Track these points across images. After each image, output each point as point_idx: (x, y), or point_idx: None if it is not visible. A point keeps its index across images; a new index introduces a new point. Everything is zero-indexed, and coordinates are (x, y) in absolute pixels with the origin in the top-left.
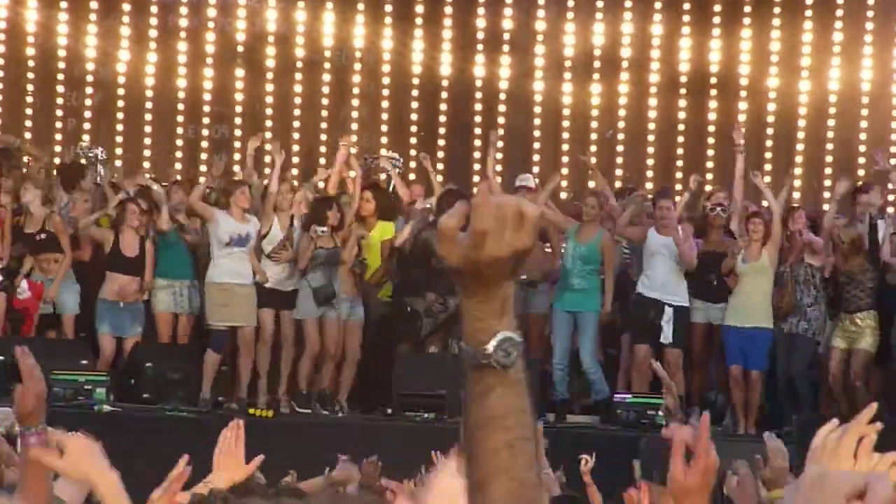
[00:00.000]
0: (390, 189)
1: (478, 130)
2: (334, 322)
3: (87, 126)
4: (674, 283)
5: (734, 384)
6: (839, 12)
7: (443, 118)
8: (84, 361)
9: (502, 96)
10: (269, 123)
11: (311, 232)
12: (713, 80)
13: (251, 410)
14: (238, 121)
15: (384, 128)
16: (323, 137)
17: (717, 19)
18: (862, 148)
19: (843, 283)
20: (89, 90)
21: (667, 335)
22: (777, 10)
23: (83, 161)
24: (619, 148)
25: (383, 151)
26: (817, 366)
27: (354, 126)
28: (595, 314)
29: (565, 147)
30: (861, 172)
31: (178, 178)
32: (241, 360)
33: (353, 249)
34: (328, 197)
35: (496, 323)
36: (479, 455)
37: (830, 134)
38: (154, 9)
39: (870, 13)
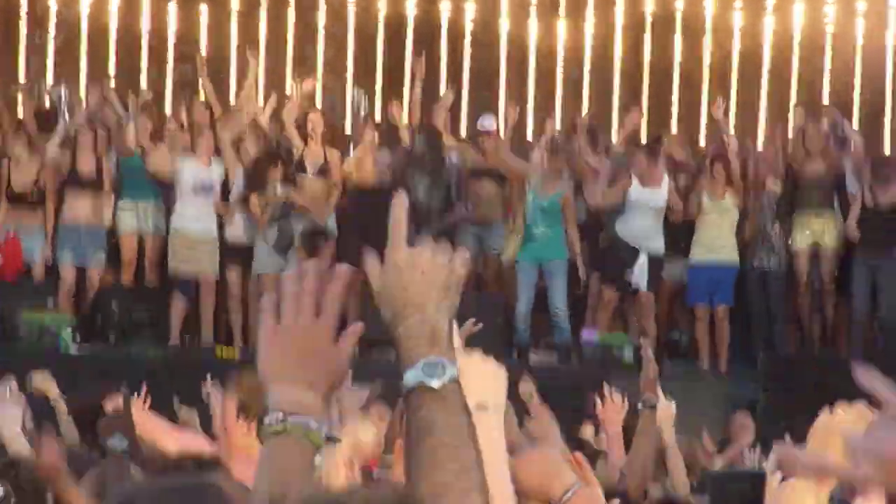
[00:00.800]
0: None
1: (444, 70)
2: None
3: (50, 65)
4: (651, 231)
5: (699, 323)
6: None
7: (408, 57)
8: (50, 304)
9: (468, 36)
10: (233, 64)
11: (269, 191)
12: (678, 20)
13: (217, 352)
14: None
15: (350, 68)
16: (288, 79)
17: None
18: (826, 89)
19: (805, 186)
20: (52, 30)
21: (639, 282)
22: None
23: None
24: (585, 88)
25: (348, 90)
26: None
27: (319, 67)
28: (562, 261)
29: (531, 87)
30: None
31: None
32: (203, 304)
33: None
34: (269, 154)
35: (426, 349)
36: (412, 459)
37: (795, 74)
38: None
39: None
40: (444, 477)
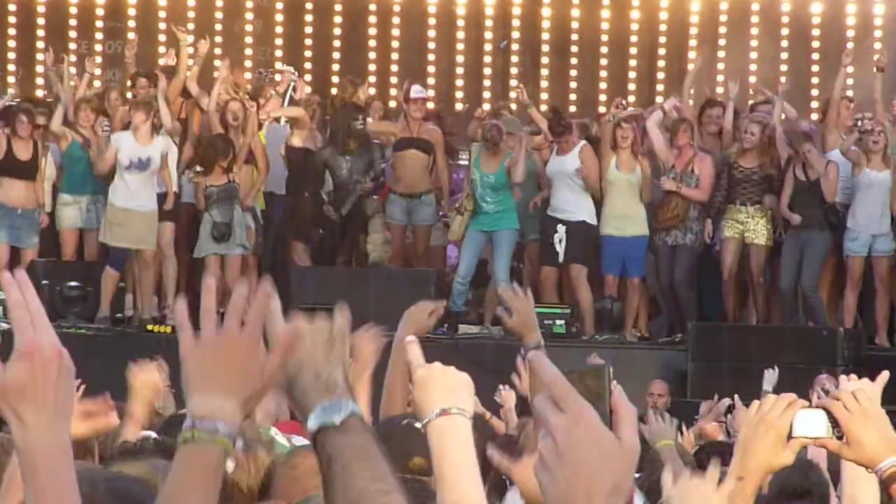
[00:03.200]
0: (285, 104)
1: (372, 43)
2: (237, 259)
3: None
4: (573, 201)
5: (610, 291)
6: None
7: (337, 31)
8: None
9: (396, 8)
10: (161, 38)
11: (187, 176)
12: None
13: (149, 327)
14: (131, 35)
15: (278, 41)
16: (217, 52)
17: None
18: (753, 55)
19: (738, 178)
20: None
21: (558, 253)
22: None
23: None
24: (514, 58)
25: (278, 65)
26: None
27: (249, 40)
28: (511, 231)
29: (460, 58)
30: (752, 80)
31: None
32: (139, 279)
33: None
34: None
35: (324, 397)
36: (330, 492)
37: (722, 41)
38: None
39: None
40: (359, 483)
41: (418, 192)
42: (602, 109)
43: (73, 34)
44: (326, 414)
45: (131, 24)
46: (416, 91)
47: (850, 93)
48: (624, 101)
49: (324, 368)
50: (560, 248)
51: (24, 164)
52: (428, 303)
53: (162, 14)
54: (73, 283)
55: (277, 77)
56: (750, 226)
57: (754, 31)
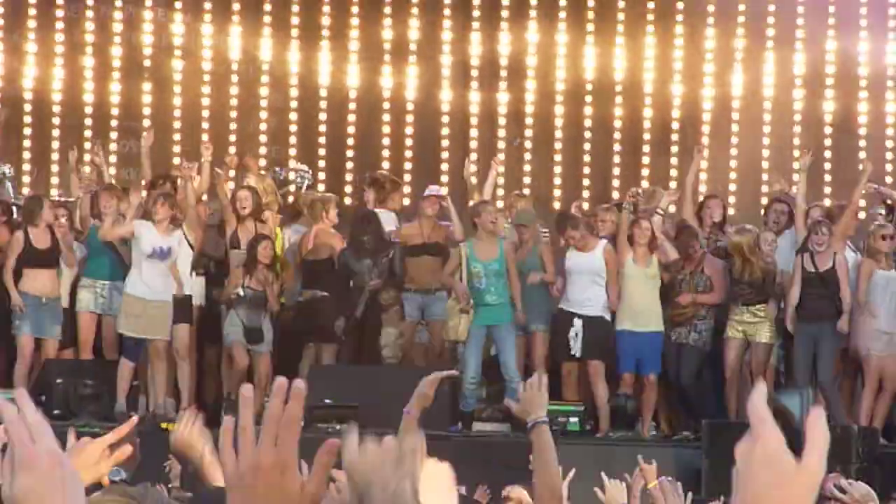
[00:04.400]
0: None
1: (386, 141)
2: (266, 356)
3: None
4: (593, 298)
5: (626, 388)
6: (741, 19)
7: (351, 129)
8: None
9: (410, 106)
10: (177, 137)
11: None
12: (618, 88)
13: (163, 425)
14: (145, 134)
15: (292, 140)
16: (231, 150)
17: (620, 28)
18: (765, 153)
19: (736, 279)
20: None
21: (575, 348)
22: (679, 17)
23: None
24: (527, 156)
25: (291, 163)
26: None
27: (263, 139)
28: (512, 324)
29: (473, 156)
30: (765, 177)
31: (111, 182)
32: (152, 372)
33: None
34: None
35: None
36: None
37: (734, 140)
38: (60, 24)
39: (770, 20)
40: None
41: (432, 289)
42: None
43: (87, 133)
44: None
45: (146, 122)
46: (431, 189)
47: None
48: (639, 190)
49: (392, 481)
50: (576, 344)
51: (43, 252)
52: (438, 374)
53: (177, 113)
54: (87, 382)
55: (292, 175)
56: (753, 327)
57: (766, 129)
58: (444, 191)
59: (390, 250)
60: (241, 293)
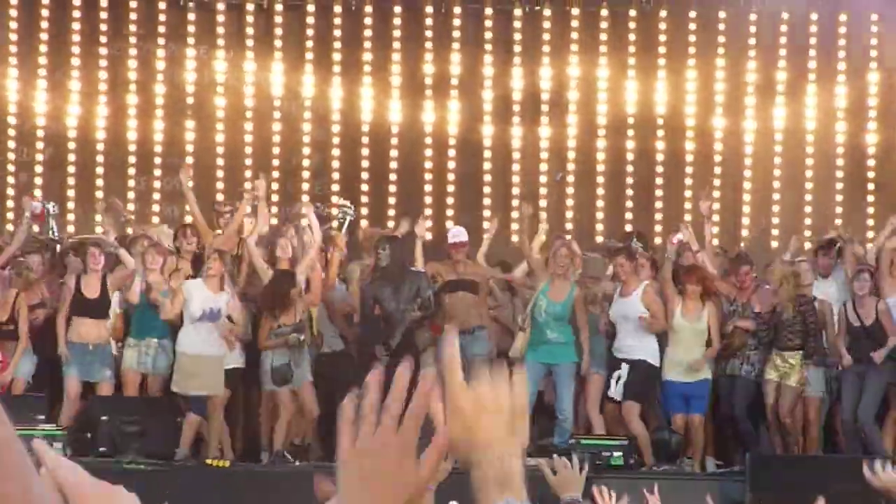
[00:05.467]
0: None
1: (428, 176)
2: (308, 385)
3: (38, 181)
4: (636, 346)
5: (679, 429)
6: (782, 52)
7: (394, 164)
8: (41, 416)
9: (452, 141)
10: (220, 174)
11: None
12: (660, 122)
13: (208, 461)
14: (190, 172)
15: (336, 175)
16: (275, 186)
17: (662, 61)
18: (808, 185)
19: (782, 321)
20: (40, 145)
21: (615, 391)
22: (721, 50)
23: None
24: (569, 190)
25: (334, 199)
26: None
27: (306, 174)
28: (572, 365)
29: (515, 191)
30: (808, 210)
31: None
32: (211, 426)
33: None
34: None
35: (497, 494)
36: None
37: (777, 172)
38: (103, 62)
39: (812, 52)
40: None
41: (471, 328)
42: (658, 241)
43: (131, 171)
44: None
45: (189, 159)
46: (453, 235)
47: None
48: (681, 236)
49: (501, 455)
50: (617, 387)
51: (92, 301)
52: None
53: (220, 150)
54: (132, 419)
55: (335, 211)
56: (786, 369)
57: (809, 160)
58: (464, 234)
59: (417, 280)
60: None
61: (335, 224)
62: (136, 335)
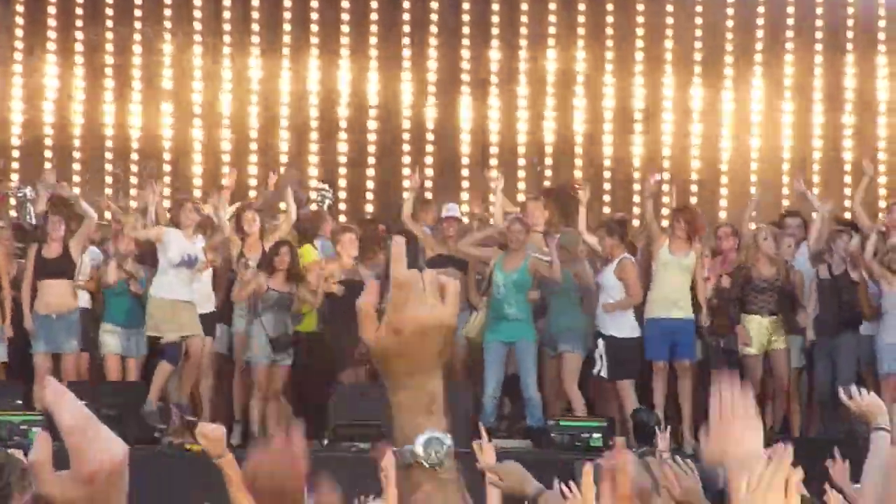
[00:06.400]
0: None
1: (406, 160)
2: (286, 369)
3: (15, 165)
4: (610, 315)
5: (658, 379)
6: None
7: (372, 148)
8: (18, 402)
9: (430, 125)
10: (197, 171)
11: (241, 266)
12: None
13: (187, 446)
14: (166, 156)
15: (313, 159)
16: (253, 171)
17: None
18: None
19: (753, 288)
20: (17, 130)
21: (600, 368)
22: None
23: (13, 201)
24: (547, 173)
25: (312, 183)
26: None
27: (283, 159)
28: (532, 343)
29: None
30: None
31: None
32: (184, 372)
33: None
34: (280, 241)
35: (424, 421)
36: None
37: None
38: (79, 46)
39: (790, 32)
40: None
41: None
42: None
43: (108, 155)
44: (428, 450)
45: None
46: (448, 209)
47: None
48: (660, 175)
49: (429, 380)
50: (602, 364)
51: (53, 261)
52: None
53: (197, 146)
54: (110, 403)
55: (313, 195)
56: (768, 336)
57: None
58: (461, 210)
59: (414, 249)
60: (266, 288)
61: (313, 207)
62: (115, 322)
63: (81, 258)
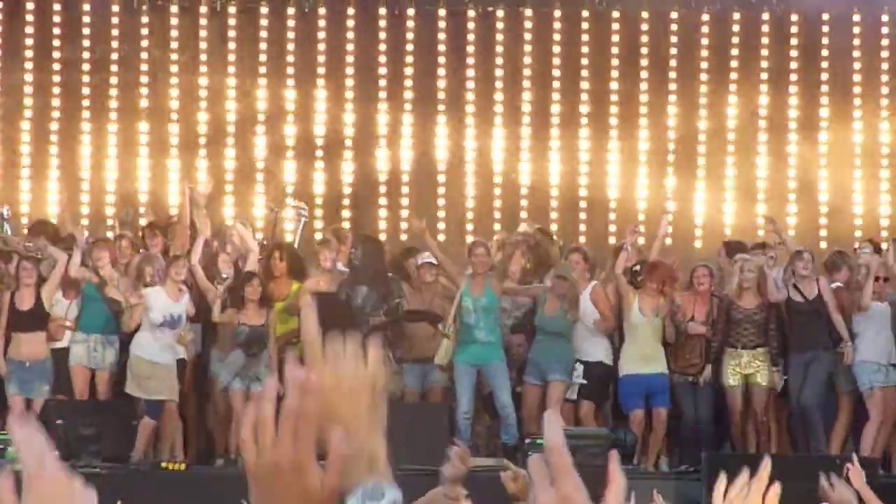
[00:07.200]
0: (296, 242)
1: (382, 178)
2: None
3: None
4: (586, 343)
5: (636, 427)
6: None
7: (348, 166)
8: None
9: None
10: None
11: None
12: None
13: (164, 465)
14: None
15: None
16: (229, 188)
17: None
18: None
19: (738, 320)
20: None
21: (572, 391)
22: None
23: None
24: (523, 192)
25: (289, 200)
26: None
27: (259, 177)
28: (502, 363)
29: (470, 203)
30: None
31: (108, 235)
32: (165, 430)
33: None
34: (249, 273)
35: (366, 475)
36: None
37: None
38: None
39: (764, 52)
40: None
41: (430, 357)
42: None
43: (84, 175)
44: (367, 499)
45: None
46: (423, 257)
47: None
48: (638, 228)
49: (366, 437)
50: (573, 388)
51: (26, 314)
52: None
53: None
54: (86, 422)
55: (288, 213)
56: (752, 369)
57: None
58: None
59: (388, 285)
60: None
61: (290, 227)
62: (84, 330)
63: (69, 303)
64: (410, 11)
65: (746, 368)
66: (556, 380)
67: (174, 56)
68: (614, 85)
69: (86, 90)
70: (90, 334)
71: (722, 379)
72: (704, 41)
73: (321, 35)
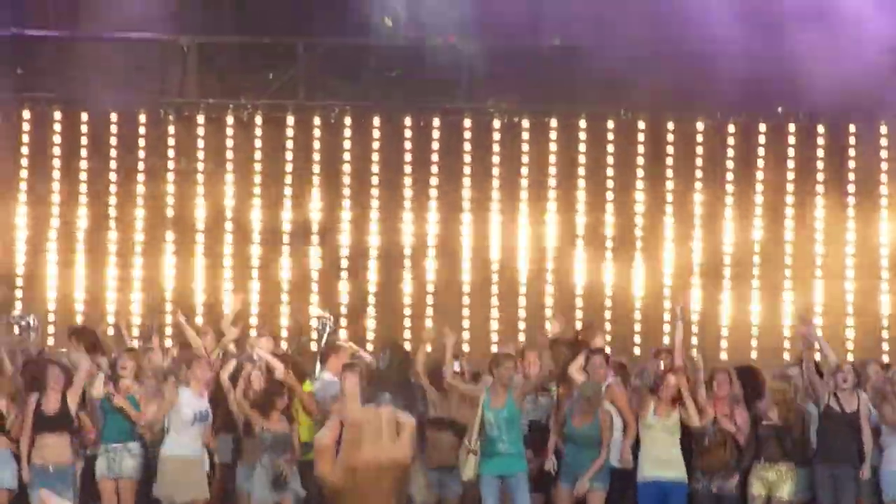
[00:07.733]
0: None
1: (407, 289)
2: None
3: (19, 294)
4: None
5: None
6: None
7: (372, 276)
8: None
9: (431, 253)
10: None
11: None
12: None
13: None
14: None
15: (314, 286)
16: (255, 299)
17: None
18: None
19: (765, 434)
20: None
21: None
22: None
23: (16, 328)
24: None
25: (312, 310)
26: None
27: (286, 286)
28: (524, 473)
29: (494, 300)
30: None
31: (132, 345)
32: None
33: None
34: (277, 381)
35: None
36: None
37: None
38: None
39: (790, 163)
40: None
41: (450, 465)
42: (637, 351)
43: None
44: None
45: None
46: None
47: None
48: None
49: (386, 499)
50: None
51: (52, 418)
52: None
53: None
54: None
55: (314, 322)
56: (777, 483)
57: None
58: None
59: (412, 392)
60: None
61: (314, 335)
62: (104, 440)
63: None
64: (436, 122)
65: (770, 481)
66: (596, 490)
67: (200, 166)
68: (639, 195)
69: (112, 199)
70: (108, 443)
71: (747, 489)
72: (730, 152)
73: (347, 145)
